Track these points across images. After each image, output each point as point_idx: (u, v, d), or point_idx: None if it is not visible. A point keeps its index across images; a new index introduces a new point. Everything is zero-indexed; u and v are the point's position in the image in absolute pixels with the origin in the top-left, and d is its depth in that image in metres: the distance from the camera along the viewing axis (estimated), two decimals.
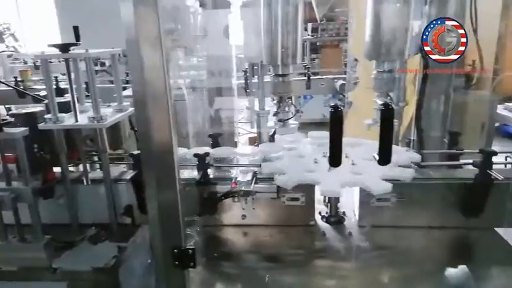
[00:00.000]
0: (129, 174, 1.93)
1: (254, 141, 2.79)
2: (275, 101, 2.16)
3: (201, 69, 3.02)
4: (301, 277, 1.72)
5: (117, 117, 1.80)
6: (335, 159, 1.39)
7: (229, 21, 2.61)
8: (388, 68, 1.99)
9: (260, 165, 1.98)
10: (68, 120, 1.77)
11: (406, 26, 1.90)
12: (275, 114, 2.19)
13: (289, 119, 2.18)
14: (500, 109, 4.49)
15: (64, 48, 1.69)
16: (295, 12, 1.93)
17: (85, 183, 1.97)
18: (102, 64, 6.05)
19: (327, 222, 2.09)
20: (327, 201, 2.14)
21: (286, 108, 2.17)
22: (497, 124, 3.87)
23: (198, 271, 1.65)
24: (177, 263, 1.42)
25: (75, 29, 1.71)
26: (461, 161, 2.08)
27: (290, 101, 2.18)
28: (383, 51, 1.92)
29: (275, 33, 1.93)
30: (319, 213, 2.12)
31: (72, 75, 1.79)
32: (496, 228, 1.95)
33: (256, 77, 2.25)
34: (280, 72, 2.05)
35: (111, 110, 1.87)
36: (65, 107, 1.81)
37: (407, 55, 1.98)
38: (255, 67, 2.24)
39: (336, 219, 2.09)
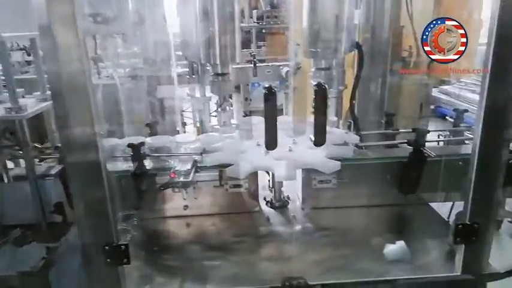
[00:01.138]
0: (57, 169, 1.79)
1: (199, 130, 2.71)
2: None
3: (141, 57, 2.88)
4: (245, 264, 1.70)
5: (39, 108, 1.66)
6: (270, 142, 1.36)
7: (166, 7, 2.50)
8: (326, 66, 1.99)
9: (201, 154, 1.92)
10: None
11: (342, 15, 1.91)
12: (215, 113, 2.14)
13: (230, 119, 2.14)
14: (436, 92, 4.78)
15: None
16: (232, 10, 1.85)
17: (6, 180, 1.80)
18: None
19: (271, 207, 2.08)
20: (271, 186, 2.13)
21: (227, 108, 2.13)
22: (432, 106, 4.11)
23: (136, 266, 1.57)
24: (109, 260, 1.34)
25: None
26: (397, 141, 2.15)
27: (231, 100, 2.13)
28: (320, 47, 1.92)
29: (212, 33, 1.85)
30: (264, 198, 2.11)
31: None
32: (430, 203, 2.06)
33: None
34: (219, 72, 2.00)
35: (33, 100, 1.72)
36: None
37: (344, 52, 1.99)
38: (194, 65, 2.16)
39: (280, 203, 2.09)
